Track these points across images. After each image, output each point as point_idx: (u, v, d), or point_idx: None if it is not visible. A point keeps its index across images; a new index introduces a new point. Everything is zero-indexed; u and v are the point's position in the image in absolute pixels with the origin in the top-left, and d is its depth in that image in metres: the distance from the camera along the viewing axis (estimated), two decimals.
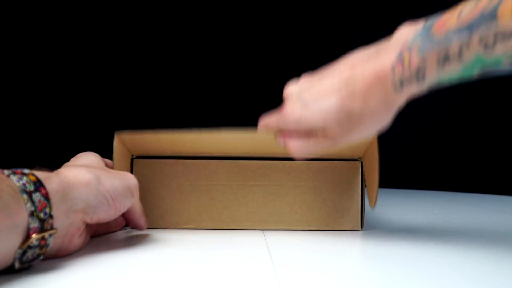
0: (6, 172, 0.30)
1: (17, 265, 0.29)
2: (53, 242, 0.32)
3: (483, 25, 0.31)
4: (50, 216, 0.30)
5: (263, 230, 0.48)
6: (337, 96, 0.37)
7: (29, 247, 0.29)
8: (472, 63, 0.32)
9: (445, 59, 0.33)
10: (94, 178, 0.36)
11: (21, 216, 0.28)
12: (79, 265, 0.33)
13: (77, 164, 0.40)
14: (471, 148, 1.05)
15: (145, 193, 0.47)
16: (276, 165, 0.48)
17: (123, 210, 0.39)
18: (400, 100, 0.36)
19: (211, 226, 0.48)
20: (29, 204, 0.29)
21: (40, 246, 0.30)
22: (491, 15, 0.31)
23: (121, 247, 0.40)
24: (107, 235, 0.45)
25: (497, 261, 0.37)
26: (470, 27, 0.32)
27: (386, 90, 0.36)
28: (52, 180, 0.32)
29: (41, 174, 0.32)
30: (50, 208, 0.31)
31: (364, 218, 0.48)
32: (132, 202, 0.40)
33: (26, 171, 0.31)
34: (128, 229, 0.48)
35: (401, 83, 0.35)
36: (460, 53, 0.32)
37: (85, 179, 0.35)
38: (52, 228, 0.31)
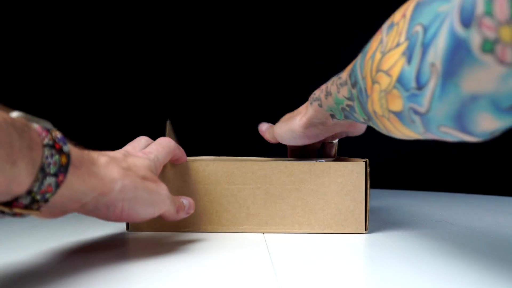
0: (46, 139, 0.28)
1: None
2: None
3: (340, 73, 0.42)
4: (45, 201, 0.29)
5: (263, 233, 0.47)
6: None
7: (2, 212, 0.28)
8: (335, 100, 0.42)
9: (327, 93, 0.44)
10: (120, 184, 0.34)
11: (20, 189, 0.27)
12: (80, 270, 0.32)
13: (127, 159, 0.37)
14: (475, 149, 1.04)
15: None
16: (277, 167, 0.47)
17: (134, 220, 0.37)
18: (303, 123, 0.49)
19: (210, 230, 0.48)
20: (36, 184, 0.27)
21: (13, 215, 0.28)
22: (344, 68, 0.41)
23: (118, 251, 0.39)
24: (103, 239, 0.44)
25: (504, 265, 0.36)
26: (338, 73, 0.43)
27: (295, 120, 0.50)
28: (80, 169, 0.30)
29: (76, 156, 0.30)
30: (53, 194, 0.29)
31: (369, 220, 0.47)
32: (157, 214, 0.38)
33: (65, 148, 0.29)
34: (125, 232, 0.47)
35: (311, 102, 0.47)
36: (330, 90, 0.43)
37: (111, 183, 0.33)
38: (38, 209, 0.29)
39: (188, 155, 0.49)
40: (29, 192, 0.27)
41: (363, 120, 0.39)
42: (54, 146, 0.28)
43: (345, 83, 0.39)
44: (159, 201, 0.38)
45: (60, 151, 0.29)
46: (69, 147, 0.30)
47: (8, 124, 0.25)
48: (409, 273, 0.33)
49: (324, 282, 0.31)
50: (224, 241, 0.44)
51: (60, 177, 0.29)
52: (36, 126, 0.28)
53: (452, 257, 0.38)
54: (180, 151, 0.46)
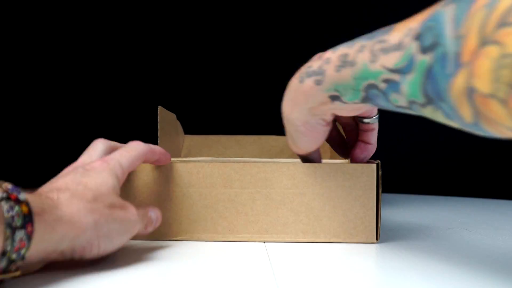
0: (0, 193, 0.29)
1: None
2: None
3: (378, 35, 0.34)
4: (22, 258, 0.29)
5: (264, 242, 0.47)
6: None
7: None
8: (359, 73, 0.35)
9: (343, 64, 0.37)
10: (91, 222, 0.34)
11: None
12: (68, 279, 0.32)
13: (88, 185, 0.36)
14: (499, 149, 1.04)
15: (130, 200, 0.46)
16: (279, 169, 0.47)
17: (110, 252, 0.38)
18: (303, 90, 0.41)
19: (205, 238, 0.47)
20: (8, 242, 0.28)
21: None
22: (387, 29, 0.34)
23: (104, 263, 0.39)
24: None
25: None
26: (371, 35, 0.36)
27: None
28: (44, 216, 0.31)
29: (36, 204, 0.30)
30: (27, 249, 0.29)
31: (380, 228, 0.47)
32: (129, 239, 0.39)
33: (22, 197, 0.30)
34: None
35: (301, 79, 0.41)
36: (354, 60, 0.35)
37: (82, 224, 0.33)
38: (16, 270, 0.30)
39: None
40: (4, 253, 0.28)
41: (403, 105, 0.33)
42: (9, 197, 0.29)
43: (399, 47, 0.32)
44: (130, 227, 0.38)
45: (18, 201, 0.29)
46: (24, 195, 0.30)
47: None
48: (424, 287, 0.33)
49: None
50: (221, 251, 0.43)
51: (29, 228, 0.29)
52: None
53: (473, 271, 0.38)
54: (155, 154, 0.45)
